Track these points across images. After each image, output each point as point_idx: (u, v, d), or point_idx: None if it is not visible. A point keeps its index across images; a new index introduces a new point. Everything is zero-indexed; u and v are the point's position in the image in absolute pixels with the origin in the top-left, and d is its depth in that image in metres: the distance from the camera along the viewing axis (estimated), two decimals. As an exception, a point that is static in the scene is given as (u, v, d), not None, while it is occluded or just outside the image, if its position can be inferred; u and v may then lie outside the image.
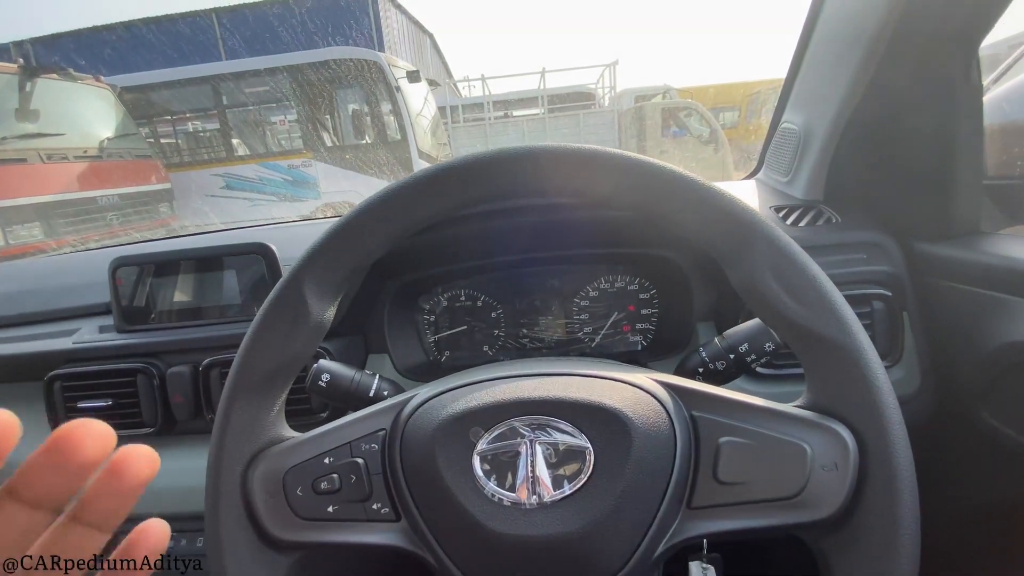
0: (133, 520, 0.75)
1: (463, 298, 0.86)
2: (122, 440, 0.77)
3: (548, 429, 0.39)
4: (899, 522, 0.34)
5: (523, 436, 0.39)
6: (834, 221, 0.75)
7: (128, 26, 10.51)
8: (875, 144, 0.73)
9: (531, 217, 0.72)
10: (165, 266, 0.77)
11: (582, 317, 0.85)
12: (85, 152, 5.21)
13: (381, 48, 9.55)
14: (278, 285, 0.44)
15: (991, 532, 0.67)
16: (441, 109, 8.65)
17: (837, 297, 0.38)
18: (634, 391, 0.41)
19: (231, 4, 10.41)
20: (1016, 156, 0.70)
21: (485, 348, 0.86)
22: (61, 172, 4.93)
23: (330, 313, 0.46)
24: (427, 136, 6.75)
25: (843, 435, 0.37)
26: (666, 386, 0.42)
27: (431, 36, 14.79)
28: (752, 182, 0.95)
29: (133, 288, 0.78)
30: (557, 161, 0.42)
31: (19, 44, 10.27)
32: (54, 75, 5.02)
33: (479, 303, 0.86)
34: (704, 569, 0.58)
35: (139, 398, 0.74)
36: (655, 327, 0.84)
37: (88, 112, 5.43)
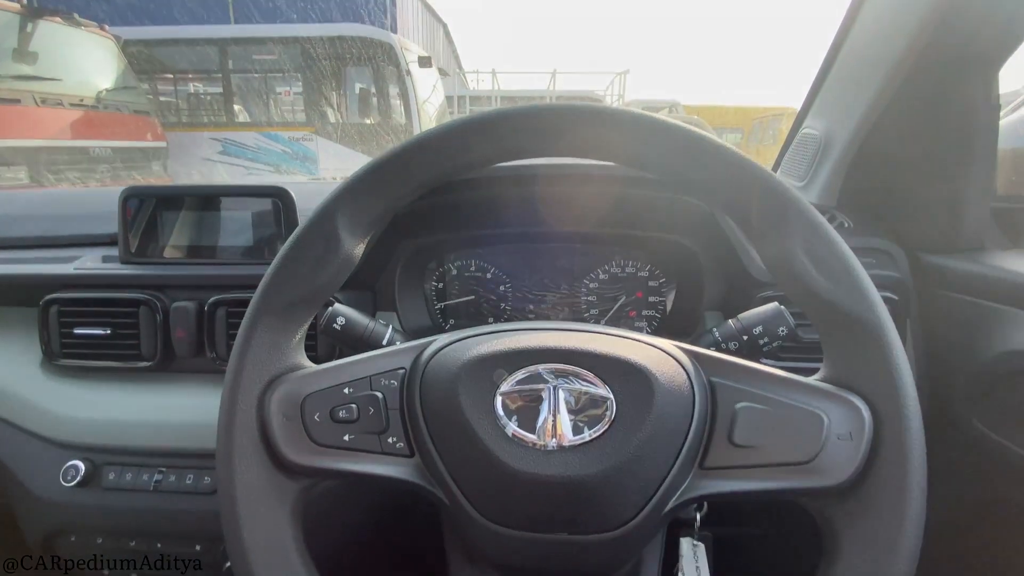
0: (129, 453, 0.74)
1: (473, 268, 0.86)
2: (118, 372, 0.77)
3: (571, 377, 0.39)
4: (908, 493, 0.35)
5: (547, 382, 0.39)
6: (846, 226, 0.77)
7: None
8: (892, 156, 0.75)
9: (552, 187, 0.73)
10: (178, 201, 0.76)
11: (590, 299, 0.86)
12: (81, 100, 5.09)
13: (394, 30, 9.48)
14: (312, 214, 0.44)
15: (974, 533, 0.69)
16: (448, 98, 8.62)
17: (863, 275, 0.39)
18: (657, 352, 0.42)
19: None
20: (1028, 178, 0.73)
21: (490, 320, 0.87)
22: (54, 117, 4.81)
23: (359, 249, 0.45)
24: (432, 123, 6.72)
25: (860, 407, 0.38)
26: (687, 352, 0.42)
27: (445, 25, 14.76)
28: None
29: (142, 220, 0.76)
30: (603, 120, 0.42)
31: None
32: (58, 19, 4.89)
33: (489, 275, 0.86)
34: (695, 546, 0.59)
35: (139, 330, 0.72)
36: (660, 315, 0.85)
37: (88, 60, 5.30)
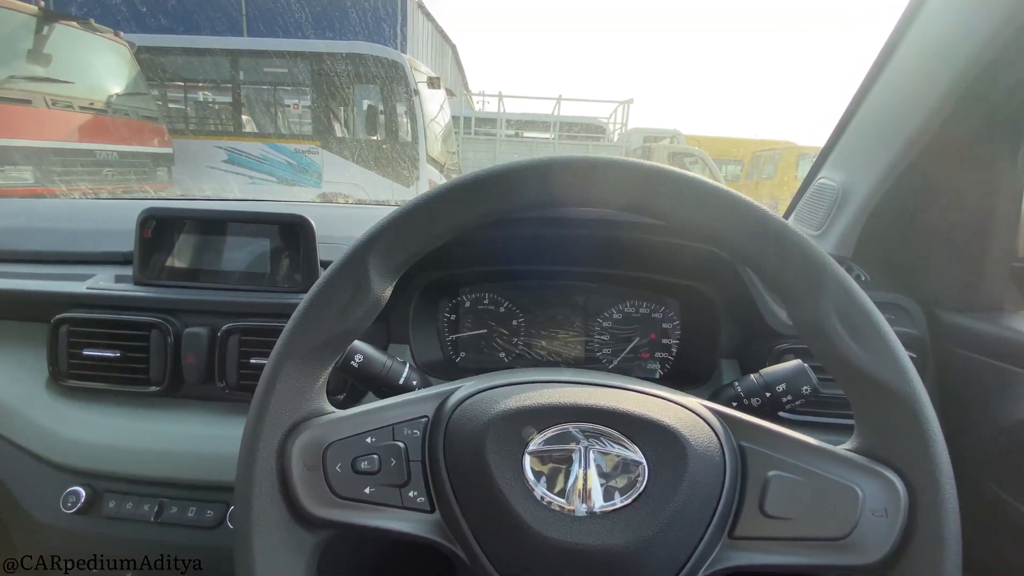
0: (131, 482, 0.72)
1: (487, 302, 0.86)
2: (124, 396, 0.75)
3: (602, 439, 0.39)
4: (943, 574, 0.34)
5: (577, 442, 0.38)
6: (863, 279, 0.77)
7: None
8: (913, 212, 0.75)
9: (576, 230, 0.72)
10: (196, 224, 0.76)
11: (603, 338, 0.85)
12: (91, 104, 5.14)
13: (404, 50, 9.62)
14: (343, 256, 0.43)
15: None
16: (454, 119, 8.72)
17: (898, 344, 0.39)
18: (688, 413, 0.41)
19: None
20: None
21: (502, 355, 0.86)
22: (64, 120, 4.85)
23: (387, 292, 0.45)
24: (438, 143, 6.78)
25: (895, 482, 0.37)
26: (716, 413, 0.42)
27: (454, 47, 14.97)
28: None
29: (159, 242, 0.76)
30: (639, 177, 0.42)
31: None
32: (74, 23, 4.98)
33: (502, 309, 0.86)
34: None
35: (150, 354, 0.71)
36: (674, 357, 0.84)
37: (101, 65, 5.38)
